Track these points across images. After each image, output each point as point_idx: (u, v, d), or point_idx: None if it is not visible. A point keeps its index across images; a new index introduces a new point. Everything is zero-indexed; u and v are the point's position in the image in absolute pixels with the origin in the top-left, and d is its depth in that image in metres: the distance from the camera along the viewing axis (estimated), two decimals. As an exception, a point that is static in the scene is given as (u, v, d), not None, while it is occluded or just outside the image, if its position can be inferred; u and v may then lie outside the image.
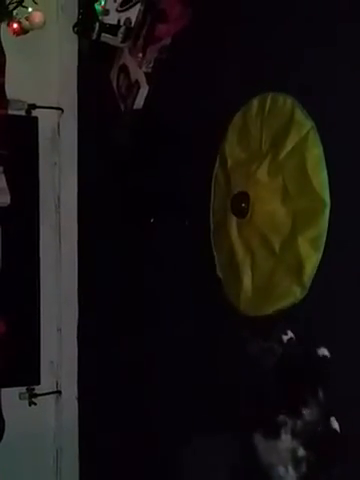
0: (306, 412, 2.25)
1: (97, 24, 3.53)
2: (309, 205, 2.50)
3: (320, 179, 2.47)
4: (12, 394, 4.07)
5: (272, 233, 2.65)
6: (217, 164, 3.03)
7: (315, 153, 2.50)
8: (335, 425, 2.28)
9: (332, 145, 2.44)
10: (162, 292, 3.49)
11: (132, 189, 3.64)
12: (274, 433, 2.25)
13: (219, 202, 3.02)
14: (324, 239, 2.44)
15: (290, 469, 2.24)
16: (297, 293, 2.54)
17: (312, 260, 2.47)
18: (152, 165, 3.48)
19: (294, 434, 2.24)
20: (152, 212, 3.36)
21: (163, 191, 3.43)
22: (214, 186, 3.06)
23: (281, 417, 2.26)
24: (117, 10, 3.50)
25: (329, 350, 2.38)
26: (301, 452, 2.24)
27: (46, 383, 4.23)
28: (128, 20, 3.47)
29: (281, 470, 2.25)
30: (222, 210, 2.95)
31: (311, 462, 2.24)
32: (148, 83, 3.52)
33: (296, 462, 2.24)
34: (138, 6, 3.44)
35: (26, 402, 4.15)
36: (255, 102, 2.78)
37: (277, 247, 2.63)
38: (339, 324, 2.41)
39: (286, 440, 2.24)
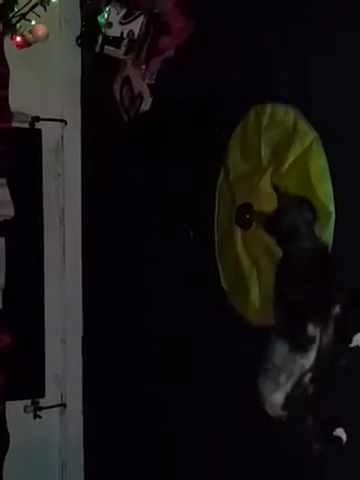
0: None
1: (100, 36, 3.54)
2: (314, 216, 2.49)
3: (324, 189, 2.47)
4: (17, 407, 4.06)
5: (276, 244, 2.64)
6: (221, 175, 3.03)
7: (319, 163, 2.50)
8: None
9: (336, 155, 2.44)
10: (167, 304, 3.48)
11: (136, 201, 3.64)
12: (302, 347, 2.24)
13: (224, 213, 3.02)
14: (330, 249, 2.43)
15: (290, 382, 2.25)
16: (302, 304, 2.53)
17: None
18: (155, 177, 3.48)
19: (317, 355, 2.23)
20: (189, 226, 3.31)
21: (167, 203, 3.42)
22: (218, 197, 3.06)
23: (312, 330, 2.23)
24: (120, 23, 3.51)
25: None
26: (307, 378, 2.24)
27: (51, 396, 4.22)
28: (131, 32, 3.48)
29: (283, 378, 2.26)
30: (227, 221, 2.95)
31: (312, 391, 2.25)
32: (151, 95, 3.52)
33: (300, 381, 2.24)
34: (141, 18, 3.45)
35: (31, 415, 4.13)
36: (252, 113, 2.78)
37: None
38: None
39: (308, 357, 2.23)
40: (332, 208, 2.44)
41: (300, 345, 2.25)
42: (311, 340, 2.23)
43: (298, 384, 2.25)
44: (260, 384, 2.35)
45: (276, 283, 2.38)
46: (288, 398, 2.27)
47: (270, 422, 2.39)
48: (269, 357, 2.32)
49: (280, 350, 2.28)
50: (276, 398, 2.29)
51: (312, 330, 2.23)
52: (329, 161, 2.46)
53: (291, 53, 2.61)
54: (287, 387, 2.26)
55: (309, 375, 2.24)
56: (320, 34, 2.49)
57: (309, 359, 2.24)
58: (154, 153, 3.45)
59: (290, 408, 2.28)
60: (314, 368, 2.24)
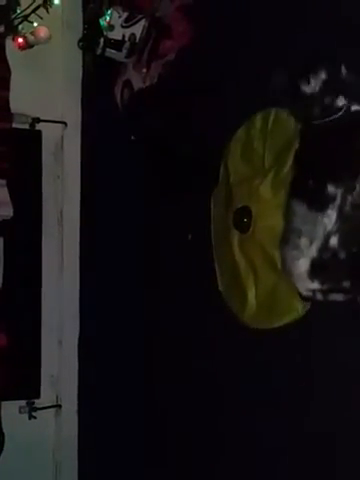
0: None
1: (102, 39, 3.56)
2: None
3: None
4: (12, 408, 4.05)
5: (274, 248, 2.65)
6: (220, 178, 3.04)
7: (318, 169, 2.50)
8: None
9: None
10: (164, 306, 3.49)
11: (136, 203, 3.65)
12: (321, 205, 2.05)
13: (221, 216, 3.03)
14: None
15: (314, 246, 2.06)
16: (299, 308, 2.54)
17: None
18: (156, 180, 3.49)
19: (340, 215, 2.04)
20: (188, 229, 3.31)
21: (166, 205, 3.44)
22: (215, 200, 3.07)
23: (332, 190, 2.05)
24: (122, 26, 3.53)
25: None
26: (333, 240, 2.05)
27: (46, 397, 4.22)
28: (133, 36, 3.49)
29: (304, 242, 2.08)
30: (224, 225, 2.95)
31: (344, 256, 2.03)
32: (153, 97, 3.53)
33: (325, 243, 2.04)
34: (143, 22, 3.47)
35: (26, 416, 4.13)
36: (259, 117, 2.79)
37: (279, 262, 2.63)
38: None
39: (329, 217, 2.04)
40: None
41: (318, 203, 2.05)
42: (330, 199, 2.04)
43: (324, 247, 2.04)
44: (283, 257, 2.16)
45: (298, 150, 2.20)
46: (315, 264, 2.06)
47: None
48: (288, 224, 2.15)
49: (298, 211, 2.11)
50: (300, 266, 2.10)
51: (332, 189, 2.05)
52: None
53: (294, 57, 2.62)
54: (311, 251, 2.06)
55: (336, 238, 2.04)
56: (321, 39, 2.50)
57: (330, 219, 2.04)
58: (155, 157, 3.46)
59: (320, 276, 2.07)
60: (340, 230, 2.04)
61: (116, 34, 3.54)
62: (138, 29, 3.48)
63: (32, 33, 3.72)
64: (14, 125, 3.99)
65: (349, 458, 2.38)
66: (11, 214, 3.88)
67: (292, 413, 2.63)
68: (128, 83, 3.71)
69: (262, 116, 2.76)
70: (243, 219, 2.79)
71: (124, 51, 3.57)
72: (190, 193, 3.25)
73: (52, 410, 4.28)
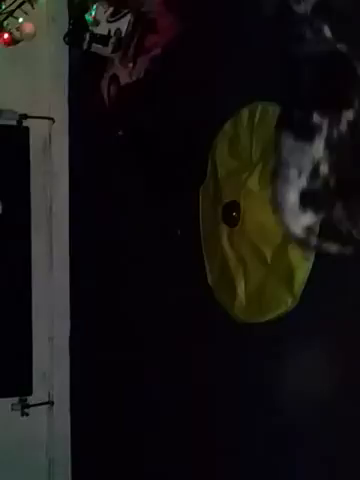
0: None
1: (87, 34, 3.55)
2: (299, 214, 2.50)
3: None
4: (4, 405, 4.06)
5: (263, 242, 2.66)
6: (208, 173, 3.04)
7: (305, 163, 2.50)
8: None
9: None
10: (154, 301, 3.49)
11: (123, 198, 3.65)
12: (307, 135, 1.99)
13: (209, 211, 3.03)
14: (315, 249, 2.44)
15: (303, 176, 2.00)
16: (288, 302, 2.55)
17: (303, 269, 2.48)
18: (144, 175, 3.49)
19: (327, 144, 1.98)
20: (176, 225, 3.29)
21: (153, 199, 3.43)
22: (203, 195, 3.07)
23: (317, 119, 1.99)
24: (107, 21, 3.51)
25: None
26: (324, 167, 1.99)
27: (38, 394, 4.22)
28: (118, 30, 3.48)
29: (293, 173, 2.03)
30: (213, 219, 2.96)
31: (334, 183, 1.98)
32: (138, 93, 3.52)
33: (314, 173, 1.98)
34: (128, 17, 3.45)
35: (18, 413, 4.13)
36: (246, 111, 2.78)
37: (268, 256, 2.64)
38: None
39: (316, 146, 1.98)
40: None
41: (303, 132, 2.01)
42: (316, 128, 1.99)
43: (313, 175, 2.01)
44: (273, 193, 2.10)
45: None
46: (305, 193, 2.02)
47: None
48: (277, 157, 2.10)
49: (286, 142, 2.06)
50: (290, 197, 2.04)
51: (317, 119, 1.99)
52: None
53: (281, 51, 2.61)
54: (301, 182, 2.02)
55: (326, 165, 2.00)
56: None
57: (318, 149, 2.00)
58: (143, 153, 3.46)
59: (311, 206, 2.02)
60: (329, 159, 2.00)
61: (102, 29, 3.53)
62: (124, 24, 3.46)
63: (17, 29, 3.70)
64: (1, 122, 3.97)
65: (351, 455, 2.38)
66: (0, 211, 3.87)
67: (286, 408, 2.63)
68: (115, 78, 3.70)
69: (249, 110, 2.76)
70: (232, 213, 2.80)
71: (110, 46, 3.55)
72: (178, 188, 3.24)
73: (44, 407, 4.27)
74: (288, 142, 2.06)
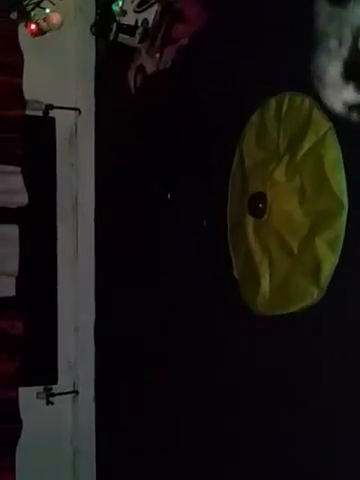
0: None
1: (114, 25, 3.54)
2: (327, 206, 2.49)
3: (338, 180, 2.46)
4: (30, 394, 4.08)
5: (289, 234, 2.64)
6: (234, 164, 3.03)
7: (333, 154, 2.48)
8: None
9: (350, 146, 2.43)
10: (179, 292, 3.49)
11: (150, 189, 3.65)
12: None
13: (236, 202, 3.02)
14: (342, 240, 2.43)
15: (344, 47, 1.90)
16: (314, 294, 2.53)
17: (329, 261, 2.46)
18: (169, 168, 3.48)
19: None
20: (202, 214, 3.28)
21: (181, 193, 3.43)
22: (231, 186, 3.06)
23: None
24: (134, 11, 3.50)
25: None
26: None
27: (63, 383, 4.24)
28: (145, 21, 3.47)
29: (333, 43, 1.93)
30: (239, 210, 2.95)
31: None
32: (165, 83, 3.51)
33: (355, 46, 1.87)
34: (155, 7, 3.44)
35: (43, 402, 4.16)
36: (273, 102, 2.76)
37: (295, 248, 2.62)
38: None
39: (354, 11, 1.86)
40: (345, 199, 2.43)
41: None
42: None
43: (355, 49, 1.88)
44: (313, 70, 2.01)
45: None
46: (347, 65, 1.90)
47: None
48: (315, 27, 1.98)
49: (322, 12, 1.94)
50: (333, 69, 1.94)
51: None
52: (343, 152, 2.44)
53: (308, 41, 2.59)
54: (342, 52, 1.90)
55: None
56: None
57: (357, 15, 1.85)
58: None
59: (354, 78, 1.90)
60: None
61: (129, 19, 3.52)
62: (151, 14, 3.45)
63: (45, 19, 3.71)
64: (27, 112, 3.98)
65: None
66: (26, 201, 3.89)
67: (311, 402, 2.62)
68: (141, 68, 3.69)
69: (276, 101, 2.74)
70: (258, 205, 2.78)
71: (137, 36, 3.54)
72: (205, 179, 3.23)
73: (69, 396, 4.30)
74: (324, 12, 1.93)
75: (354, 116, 1.97)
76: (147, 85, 3.63)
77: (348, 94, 1.96)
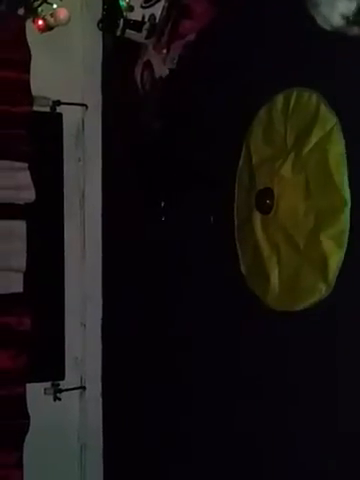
0: None
1: (121, 20, 3.53)
2: (331, 202, 2.49)
3: (341, 176, 2.45)
4: (37, 389, 4.09)
5: (296, 230, 2.64)
6: (241, 160, 3.02)
7: (338, 150, 2.48)
8: None
9: (355, 142, 2.42)
10: (186, 288, 3.49)
11: (156, 186, 3.64)
12: None
13: (244, 198, 3.02)
14: (347, 236, 2.42)
15: None
16: (322, 290, 2.53)
17: (336, 257, 2.46)
18: (177, 160, 3.48)
19: None
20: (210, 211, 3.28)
21: (187, 187, 3.43)
22: (238, 182, 3.06)
23: None
24: (141, 6, 3.50)
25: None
26: None
27: (70, 379, 4.26)
28: (152, 16, 3.46)
29: None
30: (247, 206, 2.94)
31: None
32: (172, 79, 3.50)
33: None
34: (162, 2, 3.43)
35: (51, 397, 4.17)
36: (280, 98, 2.76)
37: (302, 244, 2.62)
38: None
39: None
40: (348, 195, 2.42)
41: None
42: None
43: None
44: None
45: None
46: None
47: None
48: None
49: None
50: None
51: None
52: (348, 148, 2.44)
53: (317, 37, 2.59)
54: None
55: None
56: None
57: None
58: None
59: None
60: None
61: (136, 15, 3.52)
62: (158, 9, 3.44)
63: (52, 15, 3.71)
64: (35, 108, 3.98)
65: None
66: (33, 197, 3.90)
67: (320, 398, 2.61)
68: (148, 64, 3.69)
69: (284, 96, 2.73)
70: (265, 200, 2.78)
71: (144, 32, 3.53)
72: (212, 174, 3.23)
73: (77, 392, 4.31)
74: None
75: (355, 30, 1.95)
76: (155, 82, 3.62)
77: (343, 5, 1.93)
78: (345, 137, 2.44)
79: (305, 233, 2.59)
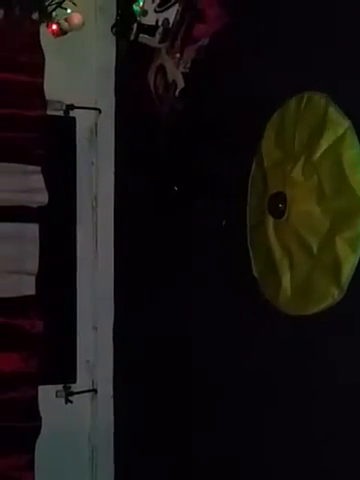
0: None
1: (135, 25, 3.54)
2: (347, 205, 2.48)
3: (358, 179, 2.45)
4: (49, 392, 4.10)
5: (309, 234, 2.64)
6: (254, 164, 3.03)
7: (352, 152, 2.48)
8: None
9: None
10: (198, 291, 3.49)
11: (169, 190, 3.65)
12: None
13: (256, 202, 3.02)
14: (362, 240, 2.42)
15: None
16: (335, 294, 2.52)
17: (350, 261, 2.45)
18: (189, 165, 3.49)
19: None
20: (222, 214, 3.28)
21: (200, 190, 3.43)
22: (251, 186, 3.06)
23: None
24: (155, 11, 3.51)
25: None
26: None
27: (82, 381, 4.26)
28: (166, 21, 3.47)
29: None
30: (259, 210, 2.95)
31: None
32: (185, 83, 3.52)
33: None
34: (176, 6, 3.44)
35: (62, 400, 4.18)
36: (293, 101, 2.76)
37: (315, 248, 2.62)
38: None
39: None
40: (365, 199, 2.42)
41: None
42: None
43: None
44: None
45: None
46: None
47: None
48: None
49: None
50: None
51: None
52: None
53: (329, 40, 2.59)
54: None
55: None
56: (355, 21, 2.47)
57: None
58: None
59: None
60: None
61: (149, 19, 3.52)
62: (171, 14, 3.45)
63: (66, 20, 3.73)
64: (48, 112, 4.00)
65: None
66: (46, 200, 3.91)
67: (330, 401, 2.61)
68: (161, 68, 3.70)
69: (296, 100, 2.74)
70: (278, 205, 2.78)
71: (157, 36, 3.54)
72: (225, 178, 3.24)
73: (88, 394, 4.31)
74: None
75: None
76: (168, 87, 3.63)
77: None
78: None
79: (319, 237, 2.59)
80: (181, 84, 3.50)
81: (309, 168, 2.63)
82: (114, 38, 4.08)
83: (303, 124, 2.70)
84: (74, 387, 4.23)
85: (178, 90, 3.49)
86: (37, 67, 3.87)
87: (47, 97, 3.95)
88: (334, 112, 2.54)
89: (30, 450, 3.92)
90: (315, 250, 2.61)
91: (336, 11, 2.58)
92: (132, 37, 3.59)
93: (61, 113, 4.16)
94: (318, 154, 2.60)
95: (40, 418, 3.91)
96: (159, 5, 3.50)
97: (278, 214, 2.78)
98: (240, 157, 3.09)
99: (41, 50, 3.86)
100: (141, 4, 3.51)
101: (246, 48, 3.08)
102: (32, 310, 3.95)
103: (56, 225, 4.15)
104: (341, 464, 2.54)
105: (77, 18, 3.70)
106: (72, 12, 3.71)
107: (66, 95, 4.14)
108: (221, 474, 3.24)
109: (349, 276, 2.47)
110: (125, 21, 3.61)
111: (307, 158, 2.65)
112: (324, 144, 2.58)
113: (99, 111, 4.28)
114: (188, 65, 3.47)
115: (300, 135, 2.72)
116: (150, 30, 3.54)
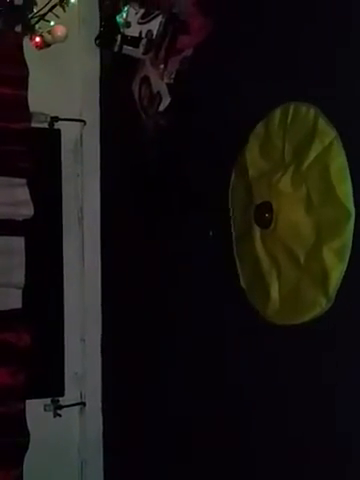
0: None
1: (119, 36, 3.55)
2: (333, 215, 2.49)
3: (344, 189, 2.46)
4: (37, 406, 4.07)
5: (296, 244, 2.64)
6: (234, 174, 3.03)
7: (339, 163, 2.49)
8: None
9: (356, 154, 2.43)
10: (185, 303, 3.48)
11: (155, 200, 3.65)
12: None
13: (240, 213, 3.02)
14: (349, 249, 2.43)
15: None
16: (323, 304, 2.53)
17: (337, 271, 2.46)
18: (175, 176, 3.49)
19: None
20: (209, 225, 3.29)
21: (186, 202, 3.43)
22: (232, 197, 3.06)
23: None
24: (138, 22, 3.51)
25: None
26: None
27: (70, 394, 4.24)
28: (150, 32, 3.48)
29: None
30: (245, 221, 2.95)
31: None
32: (170, 94, 3.52)
33: None
34: (159, 18, 3.46)
35: (51, 414, 4.15)
36: (278, 112, 2.77)
37: (302, 258, 2.62)
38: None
39: None
40: (352, 208, 2.42)
41: None
42: None
43: None
44: None
45: None
46: None
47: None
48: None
49: None
50: None
51: None
52: (349, 160, 2.45)
53: (314, 51, 2.60)
54: None
55: None
56: (341, 32, 2.48)
57: None
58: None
59: None
60: None
61: (133, 31, 3.53)
62: (155, 25, 3.46)
63: (49, 32, 3.72)
64: (33, 124, 3.99)
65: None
66: (32, 213, 3.89)
67: (318, 411, 2.61)
68: (146, 79, 3.70)
69: (281, 111, 2.75)
70: (264, 215, 2.78)
71: (141, 47, 3.55)
72: (209, 190, 3.24)
73: (77, 408, 4.29)
74: None
75: None
76: (153, 99, 3.64)
77: None
78: (346, 149, 2.45)
79: (306, 247, 2.59)
80: (166, 96, 3.50)
81: (298, 178, 2.64)
82: (98, 50, 4.09)
83: (292, 134, 2.70)
84: (62, 400, 4.20)
85: (162, 106, 3.49)
86: (21, 80, 3.86)
87: (31, 109, 3.94)
88: (322, 123, 2.55)
89: (19, 465, 3.88)
90: (303, 260, 2.62)
91: (319, 21, 2.59)
92: (116, 49, 3.59)
93: (46, 125, 4.15)
94: (306, 164, 2.61)
95: (28, 433, 3.88)
96: (142, 17, 3.50)
97: (265, 224, 2.78)
98: (223, 168, 3.09)
99: (25, 62, 3.86)
100: (124, 16, 3.51)
101: (230, 59, 3.08)
102: (19, 324, 3.93)
103: (42, 238, 4.12)
104: (328, 471, 2.55)
105: (60, 30, 3.69)
106: (55, 24, 3.70)
107: (51, 107, 4.13)
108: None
109: (337, 285, 2.47)
110: (109, 33, 3.61)
111: (296, 168, 2.65)
112: (312, 154, 2.59)
113: (84, 123, 4.27)
114: (172, 76, 3.47)
115: (289, 145, 2.72)
116: (134, 41, 3.54)
